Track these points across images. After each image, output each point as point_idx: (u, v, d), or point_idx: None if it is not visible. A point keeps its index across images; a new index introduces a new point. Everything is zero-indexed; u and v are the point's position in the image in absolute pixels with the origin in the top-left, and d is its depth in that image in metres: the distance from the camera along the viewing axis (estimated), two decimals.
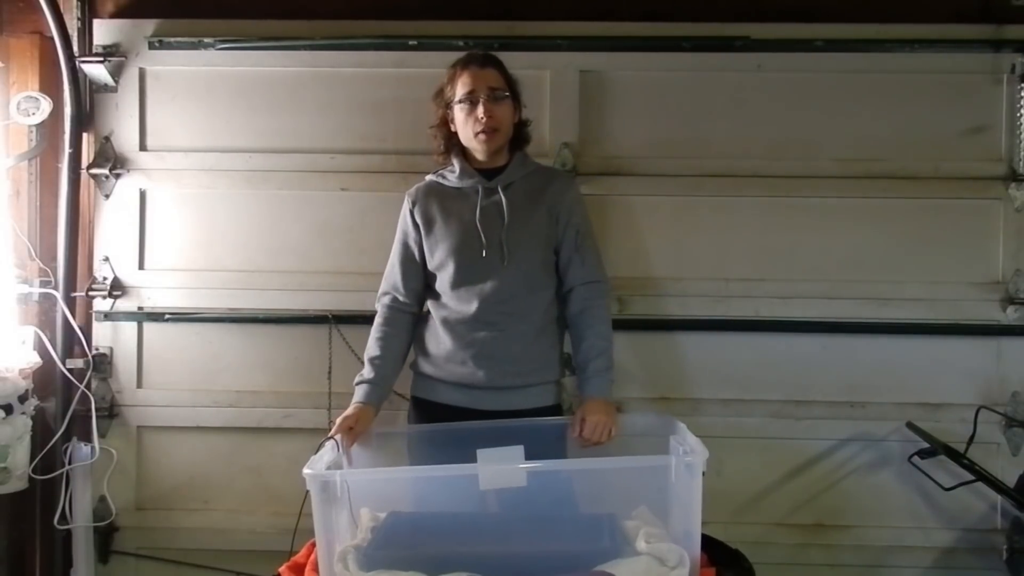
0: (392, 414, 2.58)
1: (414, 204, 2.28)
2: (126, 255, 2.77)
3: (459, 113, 2.20)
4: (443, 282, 2.22)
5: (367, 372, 2.21)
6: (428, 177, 2.33)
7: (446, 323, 2.21)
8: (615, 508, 1.89)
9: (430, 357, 2.25)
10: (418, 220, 2.26)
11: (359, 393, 2.18)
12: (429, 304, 2.30)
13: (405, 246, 2.29)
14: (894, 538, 2.69)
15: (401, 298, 2.28)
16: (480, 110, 2.16)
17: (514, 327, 2.19)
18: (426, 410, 2.27)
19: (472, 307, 2.18)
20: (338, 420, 2.10)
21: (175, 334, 2.77)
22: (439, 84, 2.27)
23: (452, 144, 2.26)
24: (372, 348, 2.25)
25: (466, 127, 2.19)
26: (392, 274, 2.30)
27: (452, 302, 2.21)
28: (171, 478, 2.79)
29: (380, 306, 2.30)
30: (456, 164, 2.26)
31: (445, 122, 2.25)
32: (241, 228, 2.77)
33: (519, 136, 2.29)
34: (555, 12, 2.70)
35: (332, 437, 2.01)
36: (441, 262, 2.22)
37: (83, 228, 2.77)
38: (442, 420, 2.21)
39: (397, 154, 2.72)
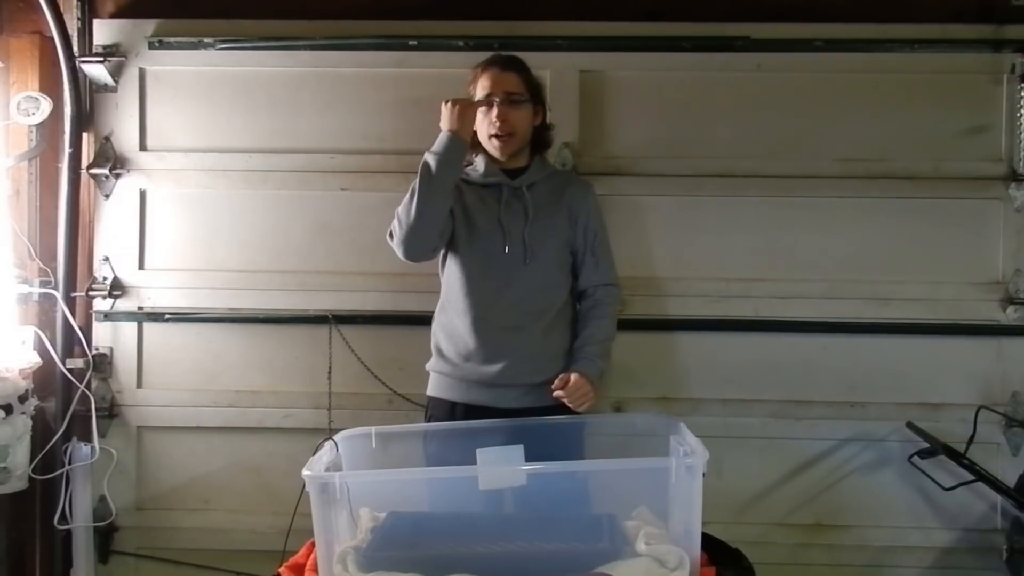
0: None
1: None
2: (126, 255, 2.77)
3: (477, 115, 2.22)
4: (462, 276, 2.23)
5: None
6: None
7: (463, 320, 2.22)
8: (615, 508, 1.88)
9: (446, 355, 2.26)
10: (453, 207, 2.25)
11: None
12: (446, 300, 2.30)
13: None
14: (894, 538, 2.69)
15: None
16: (494, 114, 2.20)
17: (531, 325, 2.21)
18: (442, 409, 2.27)
19: (491, 304, 2.20)
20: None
21: (175, 334, 2.77)
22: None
23: (477, 143, 2.27)
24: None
25: (482, 128, 2.23)
26: None
27: (470, 297, 2.22)
28: (171, 478, 2.79)
29: None
30: (481, 163, 2.29)
31: None
32: (241, 228, 2.77)
33: (540, 140, 2.32)
34: (555, 12, 2.70)
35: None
36: (461, 254, 2.24)
37: (83, 228, 2.77)
38: (459, 419, 2.22)
39: (397, 154, 2.71)
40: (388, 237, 2.21)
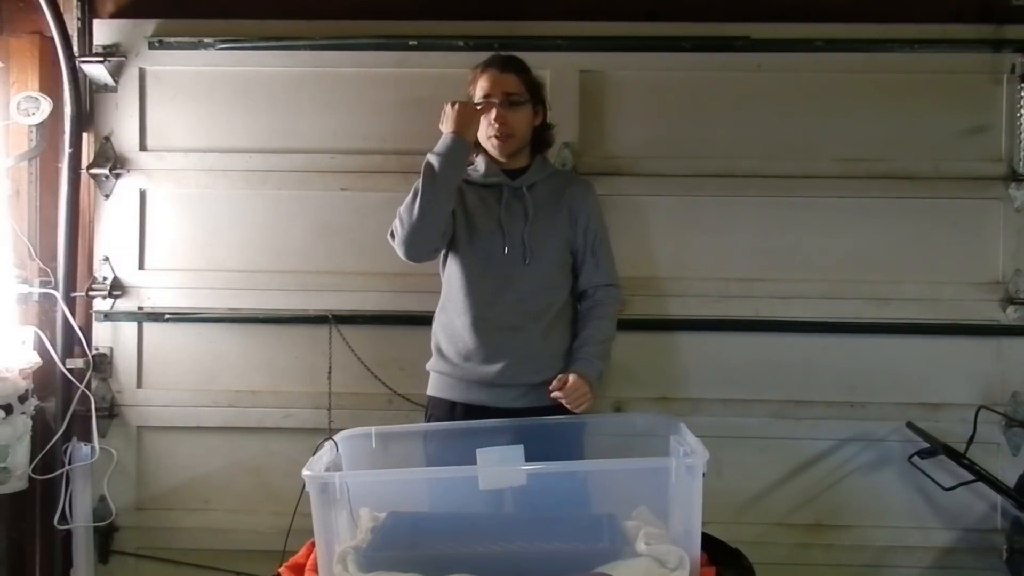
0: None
1: None
2: (126, 255, 2.77)
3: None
4: (462, 276, 2.23)
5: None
6: None
7: (463, 320, 2.22)
8: (615, 508, 1.88)
9: (446, 355, 2.26)
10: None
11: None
12: (446, 300, 2.30)
13: None
14: (894, 538, 2.69)
15: None
16: (493, 115, 2.20)
17: (531, 325, 2.21)
18: (442, 408, 2.28)
19: (490, 304, 2.20)
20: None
21: (175, 334, 2.77)
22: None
23: (477, 143, 2.27)
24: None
25: (481, 129, 2.23)
26: None
27: (470, 297, 2.22)
28: (171, 478, 2.79)
29: None
30: (481, 163, 2.29)
31: None
32: (241, 228, 2.77)
33: (541, 139, 2.33)
34: (555, 12, 2.70)
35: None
36: (461, 254, 2.24)
37: (83, 228, 2.77)
38: (460, 419, 2.22)
39: (397, 154, 2.71)
40: (389, 237, 2.21)
